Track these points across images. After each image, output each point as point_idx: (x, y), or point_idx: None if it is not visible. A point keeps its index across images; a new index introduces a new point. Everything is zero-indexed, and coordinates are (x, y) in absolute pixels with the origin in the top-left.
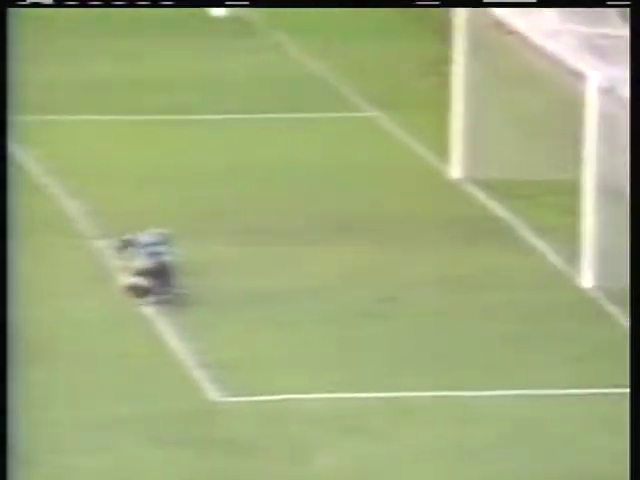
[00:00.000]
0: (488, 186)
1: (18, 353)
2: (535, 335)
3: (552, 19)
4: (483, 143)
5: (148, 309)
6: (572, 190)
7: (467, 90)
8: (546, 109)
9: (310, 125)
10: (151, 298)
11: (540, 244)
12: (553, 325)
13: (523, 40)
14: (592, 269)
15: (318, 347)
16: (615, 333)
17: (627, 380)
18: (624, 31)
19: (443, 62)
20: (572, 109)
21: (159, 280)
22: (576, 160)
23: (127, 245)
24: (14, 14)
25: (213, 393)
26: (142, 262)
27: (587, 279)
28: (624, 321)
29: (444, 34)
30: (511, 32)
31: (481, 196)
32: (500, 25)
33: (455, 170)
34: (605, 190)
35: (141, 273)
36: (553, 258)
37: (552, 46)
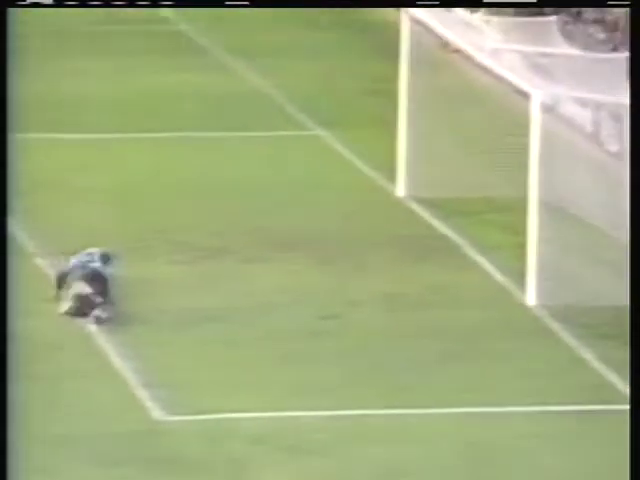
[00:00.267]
0: (433, 204)
1: None
2: (480, 353)
3: (495, 38)
4: (428, 161)
5: (91, 328)
6: (517, 208)
7: (412, 108)
8: (490, 127)
9: (255, 143)
10: (93, 317)
11: (485, 262)
12: (498, 343)
13: (467, 59)
14: (536, 287)
15: (261, 365)
16: (559, 351)
17: (572, 397)
18: (566, 49)
19: (388, 80)
20: (516, 127)
21: (99, 299)
22: (520, 178)
23: (64, 276)
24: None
25: (157, 412)
26: (80, 285)
27: (531, 297)
28: (568, 338)
29: (389, 52)
30: (456, 51)
31: (426, 214)
32: (445, 44)
33: (400, 188)
34: (549, 208)
35: (80, 295)
36: (497, 276)
37: (496, 65)
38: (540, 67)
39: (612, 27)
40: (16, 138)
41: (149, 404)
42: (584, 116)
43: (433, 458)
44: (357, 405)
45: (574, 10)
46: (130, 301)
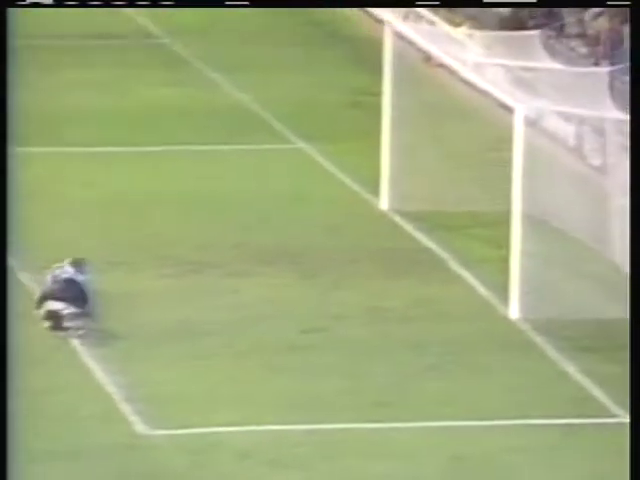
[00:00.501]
0: (416, 218)
1: None
2: (464, 366)
3: (478, 52)
4: (411, 175)
5: (74, 342)
6: (500, 222)
7: (395, 122)
8: (474, 141)
9: (239, 157)
10: (74, 330)
11: (468, 276)
12: (481, 356)
13: (451, 73)
14: (519, 300)
15: (245, 379)
16: (542, 364)
17: (555, 410)
18: (549, 64)
19: (371, 94)
20: (499, 141)
21: (72, 309)
22: (504, 191)
23: (40, 295)
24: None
25: (140, 426)
26: (50, 303)
27: (514, 310)
28: (550, 352)
29: (372, 66)
30: (439, 65)
31: (409, 227)
32: (428, 58)
33: (383, 201)
34: (532, 221)
35: (51, 311)
36: (481, 289)
37: (479, 79)
38: (523, 81)
39: (594, 42)
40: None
41: (133, 418)
42: (567, 130)
43: (416, 472)
44: (340, 419)
45: (557, 24)
46: (114, 315)
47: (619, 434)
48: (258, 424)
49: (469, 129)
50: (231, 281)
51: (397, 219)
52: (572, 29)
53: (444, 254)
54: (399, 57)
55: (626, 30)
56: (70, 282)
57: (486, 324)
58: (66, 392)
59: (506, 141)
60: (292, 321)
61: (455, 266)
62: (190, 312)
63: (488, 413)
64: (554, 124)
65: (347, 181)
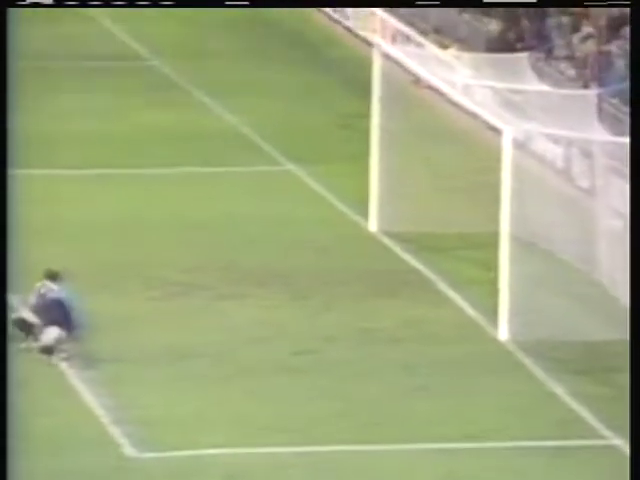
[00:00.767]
0: (405, 239)
1: None
2: (453, 388)
3: (467, 74)
4: (400, 196)
5: (62, 365)
6: (489, 243)
7: (384, 144)
8: (462, 162)
9: (228, 179)
10: (61, 353)
11: (457, 297)
12: (470, 378)
13: (440, 95)
14: (508, 322)
15: (234, 402)
16: (531, 385)
17: (543, 432)
18: (537, 86)
19: (360, 116)
20: (488, 163)
21: (64, 332)
22: (493, 213)
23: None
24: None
25: (129, 449)
26: (27, 314)
27: (503, 332)
28: (539, 373)
29: (361, 88)
30: (428, 87)
31: (398, 249)
32: (417, 80)
33: (372, 223)
34: (521, 243)
35: (22, 320)
36: (470, 311)
37: (468, 101)
38: (511, 103)
39: (582, 64)
40: None
41: (121, 441)
42: (555, 152)
43: None
44: (330, 440)
45: (545, 47)
46: (103, 337)
47: (608, 456)
48: (248, 446)
49: (457, 151)
50: (220, 303)
51: (386, 240)
52: (561, 52)
53: (433, 275)
54: (388, 79)
55: (615, 52)
56: (45, 298)
57: (475, 345)
58: (55, 415)
59: (494, 163)
60: (282, 343)
61: (444, 287)
62: (179, 334)
63: (477, 434)
64: (542, 146)
65: (336, 203)
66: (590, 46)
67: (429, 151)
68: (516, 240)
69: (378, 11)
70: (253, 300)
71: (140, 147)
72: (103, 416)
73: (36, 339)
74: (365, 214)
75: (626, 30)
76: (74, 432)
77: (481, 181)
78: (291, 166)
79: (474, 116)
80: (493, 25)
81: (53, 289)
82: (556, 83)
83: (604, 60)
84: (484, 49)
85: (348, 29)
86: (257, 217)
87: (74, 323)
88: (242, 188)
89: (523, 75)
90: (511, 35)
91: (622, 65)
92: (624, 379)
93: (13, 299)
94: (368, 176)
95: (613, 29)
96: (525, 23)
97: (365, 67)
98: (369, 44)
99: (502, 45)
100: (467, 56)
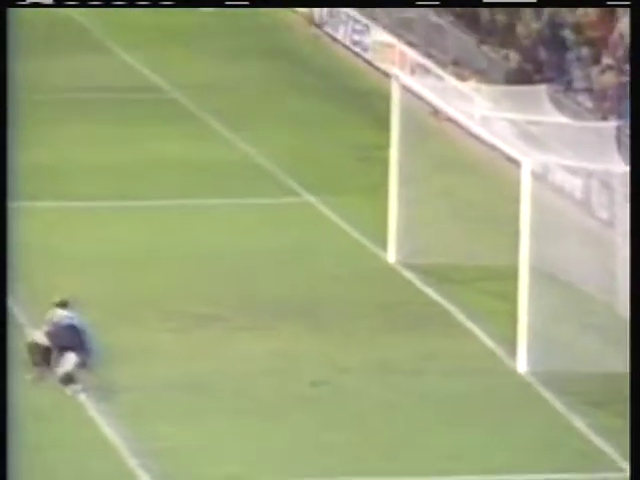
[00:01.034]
0: (425, 271)
1: None
2: (471, 421)
3: (485, 106)
4: (419, 228)
5: (80, 397)
6: (508, 275)
7: (403, 175)
8: (481, 194)
9: (246, 211)
10: (78, 381)
11: (476, 329)
12: (489, 410)
13: (459, 126)
14: (527, 354)
15: (252, 434)
16: (550, 418)
17: (563, 465)
18: (556, 118)
19: (378, 147)
20: (507, 194)
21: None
22: (512, 245)
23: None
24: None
25: None
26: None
27: (522, 364)
28: (558, 406)
29: (380, 120)
30: (446, 118)
31: (417, 281)
32: (436, 111)
33: (391, 254)
34: (540, 274)
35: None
36: (489, 343)
37: (486, 133)
38: (530, 135)
39: (601, 96)
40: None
41: (139, 472)
42: (574, 184)
43: None
44: (347, 473)
45: (564, 79)
46: (120, 369)
47: None
48: (265, 477)
49: (476, 182)
50: (237, 335)
51: (404, 272)
52: (579, 83)
53: (451, 307)
54: (407, 111)
55: None
56: (57, 324)
57: (494, 378)
58: (73, 447)
59: (513, 194)
60: (300, 374)
61: (463, 319)
62: (197, 366)
63: (496, 467)
64: (561, 178)
65: (355, 234)
66: (609, 78)
67: (448, 183)
68: (535, 272)
69: (397, 43)
70: (270, 332)
71: (157, 178)
72: (121, 448)
73: (52, 367)
74: (384, 246)
75: None
76: (92, 464)
77: (500, 213)
78: (310, 198)
79: (493, 148)
80: (512, 57)
81: (65, 315)
82: (575, 115)
83: (623, 92)
84: (503, 81)
85: (367, 61)
86: (275, 249)
87: (89, 347)
88: (260, 220)
89: (542, 107)
90: (530, 67)
91: None
92: None
93: (27, 330)
94: (387, 207)
95: None
96: (544, 55)
97: (384, 99)
98: (388, 76)
99: (521, 77)
100: (486, 88)
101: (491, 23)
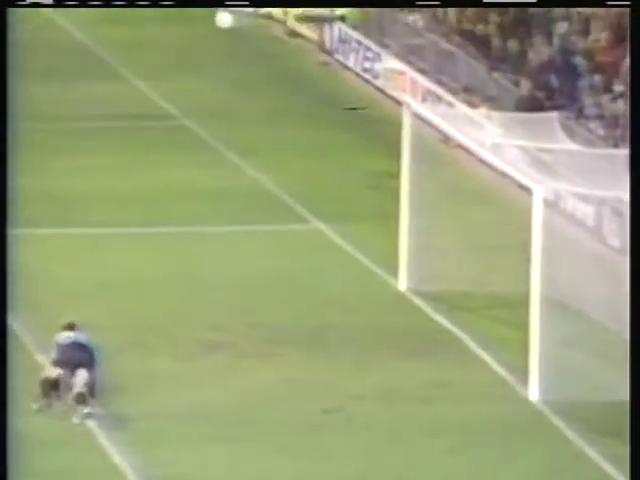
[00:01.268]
0: (435, 298)
1: None
2: (483, 449)
3: (496, 133)
4: (430, 255)
5: (90, 424)
6: (519, 303)
7: (414, 202)
8: (492, 221)
9: (256, 237)
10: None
11: (487, 357)
12: (501, 439)
13: (470, 154)
14: (538, 382)
15: (262, 460)
16: (562, 447)
17: None
18: (567, 145)
19: (389, 174)
20: (519, 222)
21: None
22: (523, 272)
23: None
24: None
25: None
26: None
27: (534, 392)
28: (570, 434)
29: (390, 147)
30: (458, 146)
31: (427, 308)
32: (447, 138)
33: (402, 282)
34: (551, 302)
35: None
36: (500, 371)
37: (497, 160)
38: (542, 162)
39: (612, 123)
40: (15, 233)
41: None
42: (586, 211)
43: None
44: None
45: (575, 106)
46: (127, 396)
47: None
48: None
49: (487, 210)
50: (247, 362)
51: (415, 300)
52: (591, 111)
53: (463, 335)
54: (417, 138)
55: None
56: (62, 347)
57: (505, 406)
58: (83, 475)
59: (525, 222)
60: (310, 402)
61: (474, 347)
62: (205, 393)
63: None
64: (573, 205)
65: (365, 261)
66: (620, 105)
67: (459, 210)
68: (547, 299)
69: (408, 70)
70: (280, 359)
71: (167, 205)
72: (131, 476)
73: (62, 394)
74: (394, 273)
75: None
76: None
77: (511, 240)
78: (320, 224)
79: (504, 175)
80: (523, 84)
81: (73, 335)
82: (586, 142)
83: None
84: (514, 108)
85: (378, 88)
86: (285, 276)
87: (98, 363)
88: (270, 246)
89: (553, 134)
90: (541, 94)
91: None
92: None
93: (38, 358)
94: (397, 235)
95: None
96: (555, 82)
97: (395, 126)
98: (399, 103)
99: (532, 104)
100: (497, 115)
101: (502, 50)
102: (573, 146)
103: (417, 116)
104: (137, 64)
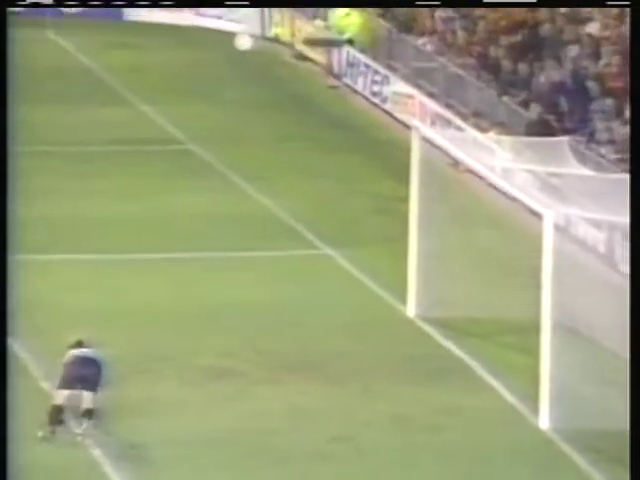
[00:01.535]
0: (444, 324)
1: None
2: (493, 477)
3: (506, 158)
4: (439, 281)
5: (95, 452)
6: (529, 329)
7: (423, 227)
8: (502, 247)
9: (264, 263)
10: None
11: (497, 384)
12: (510, 468)
13: (479, 178)
14: (549, 410)
15: None
16: (572, 476)
17: None
18: (578, 170)
19: (398, 199)
20: (529, 247)
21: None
22: (533, 299)
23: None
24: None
25: None
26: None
27: (544, 420)
28: (581, 463)
29: (398, 172)
30: (467, 170)
31: (436, 334)
32: (456, 163)
33: (410, 308)
34: (562, 329)
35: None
36: (510, 398)
37: (507, 184)
38: (552, 187)
39: (624, 148)
40: (18, 259)
41: None
42: (597, 237)
43: None
44: None
45: (586, 131)
46: (135, 423)
47: None
48: None
49: (497, 235)
50: (254, 389)
51: (424, 326)
52: (602, 135)
53: (472, 362)
54: (426, 162)
55: None
56: (70, 367)
57: (515, 434)
58: None
59: (535, 247)
60: (319, 429)
61: (483, 374)
62: (213, 420)
63: None
64: (584, 230)
65: (373, 287)
66: None
67: (468, 235)
68: (557, 326)
69: (417, 94)
70: (288, 386)
71: (174, 231)
72: None
73: (72, 412)
74: (403, 299)
75: None
76: None
77: (521, 266)
78: (328, 250)
79: (514, 200)
80: (533, 108)
81: (79, 351)
82: (597, 167)
83: None
84: (524, 132)
85: (387, 112)
86: (293, 301)
87: (106, 375)
88: (278, 272)
89: (564, 159)
90: (551, 118)
91: None
92: None
93: (43, 385)
94: (406, 260)
95: None
96: (565, 106)
97: (404, 150)
98: (408, 127)
99: (542, 129)
100: (507, 139)
101: (512, 73)
102: (584, 171)
103: (426, 140)
104: (142, 88)
